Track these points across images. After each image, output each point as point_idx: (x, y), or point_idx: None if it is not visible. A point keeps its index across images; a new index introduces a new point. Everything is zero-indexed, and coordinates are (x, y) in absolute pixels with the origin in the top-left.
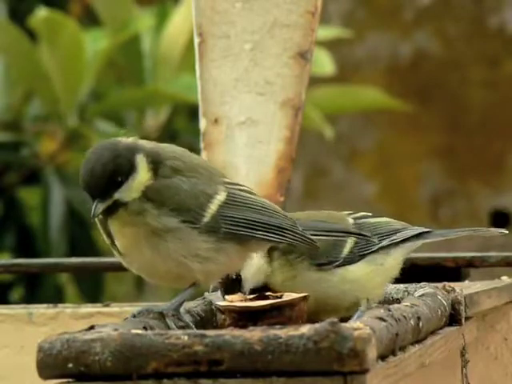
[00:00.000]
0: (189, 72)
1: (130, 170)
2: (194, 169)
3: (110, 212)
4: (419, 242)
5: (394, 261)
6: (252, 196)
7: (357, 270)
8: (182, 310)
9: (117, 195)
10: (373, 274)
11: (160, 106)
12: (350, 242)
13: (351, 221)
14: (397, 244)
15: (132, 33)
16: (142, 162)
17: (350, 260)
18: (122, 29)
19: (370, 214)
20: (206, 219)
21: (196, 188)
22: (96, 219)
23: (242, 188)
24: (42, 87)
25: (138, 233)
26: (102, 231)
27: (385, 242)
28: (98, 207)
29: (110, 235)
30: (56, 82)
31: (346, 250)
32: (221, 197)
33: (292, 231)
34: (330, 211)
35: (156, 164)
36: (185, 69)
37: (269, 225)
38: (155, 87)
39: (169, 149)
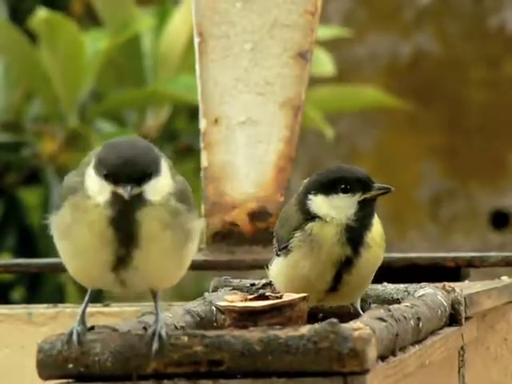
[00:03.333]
0: (189, 72)
1: (158, 168)
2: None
3: (131, 206)
4: None
5: None
6: None
7: None
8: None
9: (146, 187)
10: None
11: (160, 106)
12: None
13: None
14: None
15: (132, 33)
16: (165, 166)
17: None
18: (122, 29)
19: None
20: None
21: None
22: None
23: None
24: (42, 88)
25: (176, 237)
26: (114, 236)
27: None
28: (134, 189)
29: (125, 242)
30: (56, 83)
31: None
32: None
33: None
34: None
35: (171, 169)
36: (185, 69)
37: None
38: (155, 87)
39: None
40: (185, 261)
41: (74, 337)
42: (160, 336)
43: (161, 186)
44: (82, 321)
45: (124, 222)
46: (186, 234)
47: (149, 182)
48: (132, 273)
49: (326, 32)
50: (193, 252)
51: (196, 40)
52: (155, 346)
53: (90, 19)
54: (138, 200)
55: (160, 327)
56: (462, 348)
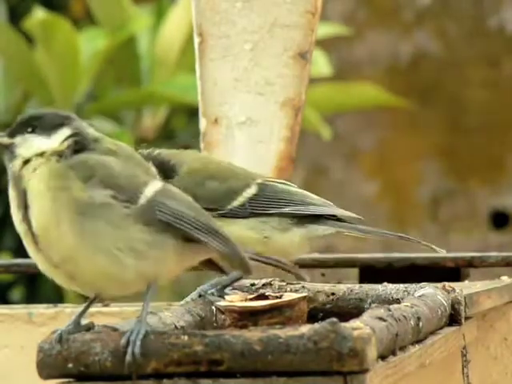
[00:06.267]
0: (185, 73)
1: (46, 129)
2: (132, 159)
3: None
4: (332, 229)
5: (285, 239)
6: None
7: (237, 229)
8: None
9: (16, 139)
10: (251, 240)
11: (157, 107)
12: (244, 195)
13: (259, 180)
14: (302, 223)
15: (129, 33)
16: (61, 135)
17: (238, 213)
18: (118, 29)
19: (282, 181)
20: (141, 201)
21: (131, 170)
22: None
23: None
24: (39, 88)
25: (61, 203)
26: (14, 197)
27: (286, 209)
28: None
29: (22, 204)
30: (53, 84)
31: (236, 203)
32: (156, 186)
33: (226, 239)
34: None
35: (82, 143)
36: (181, 69)
37: (204, 225)
38: (152, 88)
39: (119, 144)
40: (86, 242)
41: (55, 335)
42: (133, 351)
43: (36, 144)
44: (74, 321)
45: (12, 179)
46: (78, 204)
47: (23, 136)
48: (42, 244)
49: (326, 30)
50: (105, 232)
51: (196, 40)
52: (128, 358)
53: (91, 20)
54: (10, 152)
55: (136, 335)
56: (464, 348)
